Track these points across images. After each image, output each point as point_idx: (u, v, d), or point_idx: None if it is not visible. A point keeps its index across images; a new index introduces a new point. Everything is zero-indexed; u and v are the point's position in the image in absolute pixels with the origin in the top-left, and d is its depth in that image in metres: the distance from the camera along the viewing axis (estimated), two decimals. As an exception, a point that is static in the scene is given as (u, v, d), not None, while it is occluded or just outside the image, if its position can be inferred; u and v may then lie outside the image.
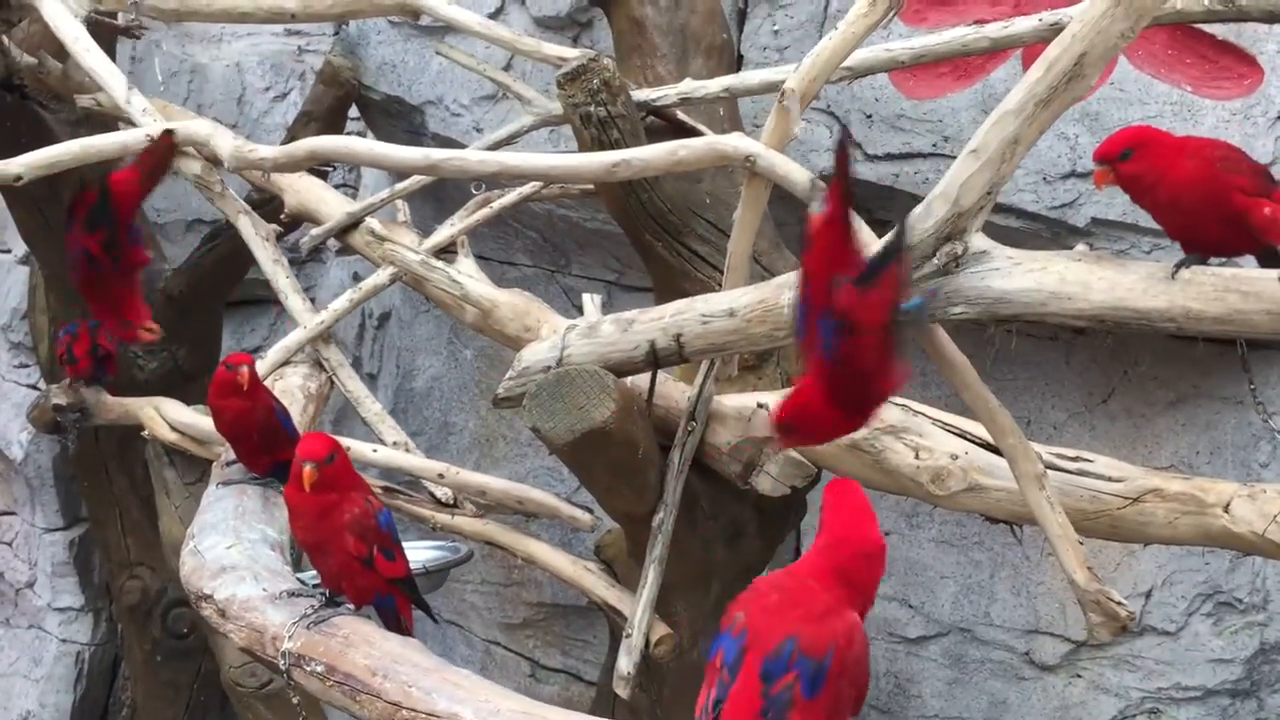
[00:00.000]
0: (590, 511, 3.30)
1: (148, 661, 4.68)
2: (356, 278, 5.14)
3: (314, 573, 2.35)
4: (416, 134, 4.48)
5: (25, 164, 3.19)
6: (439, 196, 4.48)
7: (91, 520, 4.92)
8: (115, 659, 5.38)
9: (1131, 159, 2.26)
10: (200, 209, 5.53)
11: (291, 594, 2.10)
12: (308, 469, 2.06)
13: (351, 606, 2.06)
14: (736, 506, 3.10)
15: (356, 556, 2.04)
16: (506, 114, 4.34)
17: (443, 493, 3.31)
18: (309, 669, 1.92)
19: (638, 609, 2.90)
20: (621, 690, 2.87)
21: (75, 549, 5.28)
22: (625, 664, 2.87)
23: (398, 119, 4.58)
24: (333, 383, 3.46)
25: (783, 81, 3.05)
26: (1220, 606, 3.75)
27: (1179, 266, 2.11)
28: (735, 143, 2.62)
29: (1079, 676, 3.93)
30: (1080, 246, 2.47)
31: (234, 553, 2.27)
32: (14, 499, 5.39)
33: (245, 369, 2.64)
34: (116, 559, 4.72)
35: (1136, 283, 2.11)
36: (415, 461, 3.27)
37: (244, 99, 5.48)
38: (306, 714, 2.56)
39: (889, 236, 2.13)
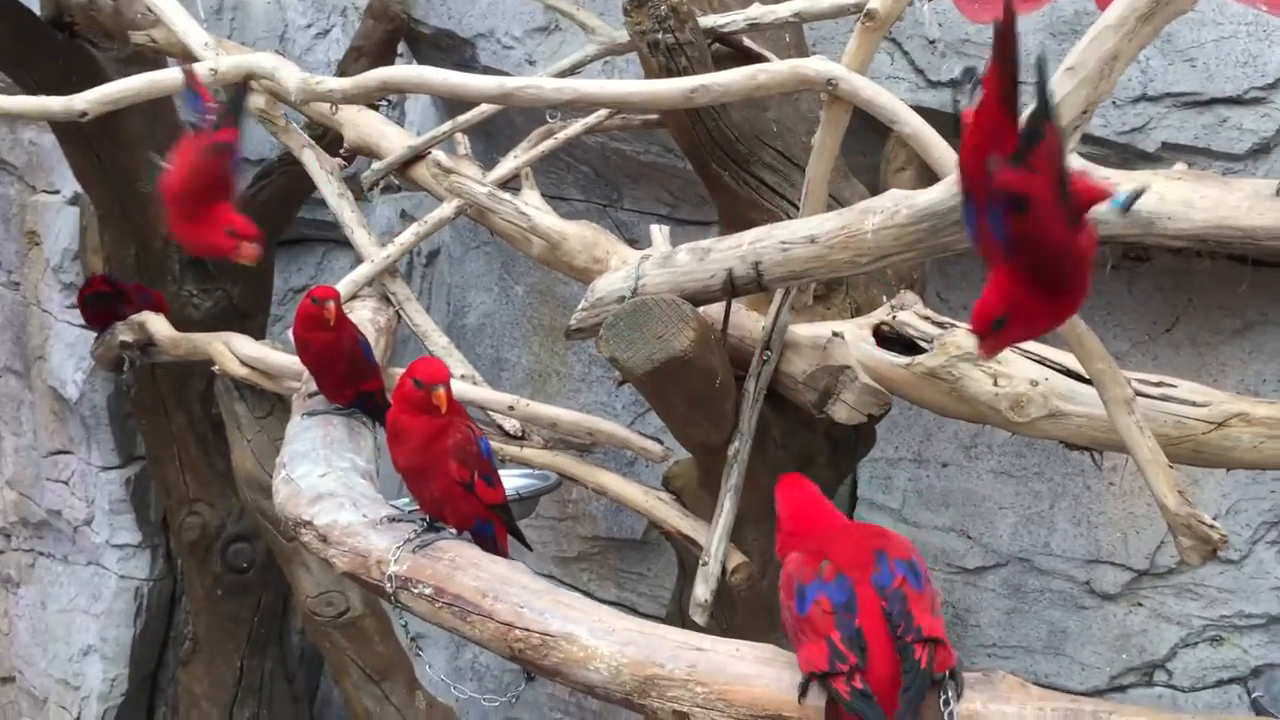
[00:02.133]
0: (661, 443, 3.30)
1: (209, 596, 4.75)
2: (404, 216, 5.15)
3: (405, 500, 2.36)
4: (467, 67, 4.44)
5: (90, 100, 3.18)
6: (489, 132, 4.45)
7: (149, 458, 4.98)
8: (173, 594, 5.47)
9: None
10: (245, 147, 5.53)
11: (392, 520, 2.11)
12: (440, 391, 2.07)
13: (453, 531, 2.07)
14: (807, 436, 3.11)
15: (459, 481, 2.05)
16: (559, 45, 4.29)
17: (511, 425, 3.32)
18: (416, 591, 1.94)
19: (714, 537, 2.91)
20: (699, 617, 2.89)
21: (131, 486, 5.36)
22: (703, 591, 2.89)
23: (448, 53, 4.54)
24: (399, 316, 3.45)
25: (854, 4, 3.02)
26: (1285, 534, 3.74)
27: (1285, 183, 2.08)
28: (818, 65, 2.58)
29: (1140, 605, 3.94)
30: (1179, 165, 2.43)
31: (328, 480, 2.29)
32: (70, 438, 5.46)
33: (332, 303, 2.64)
34: (176, 495, 4.78)
35: (1241, 201, 2.08)
36: (484, 394, 3.27)
37: (286, 35, 5.45)
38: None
39: (1033, 107, 1.87)
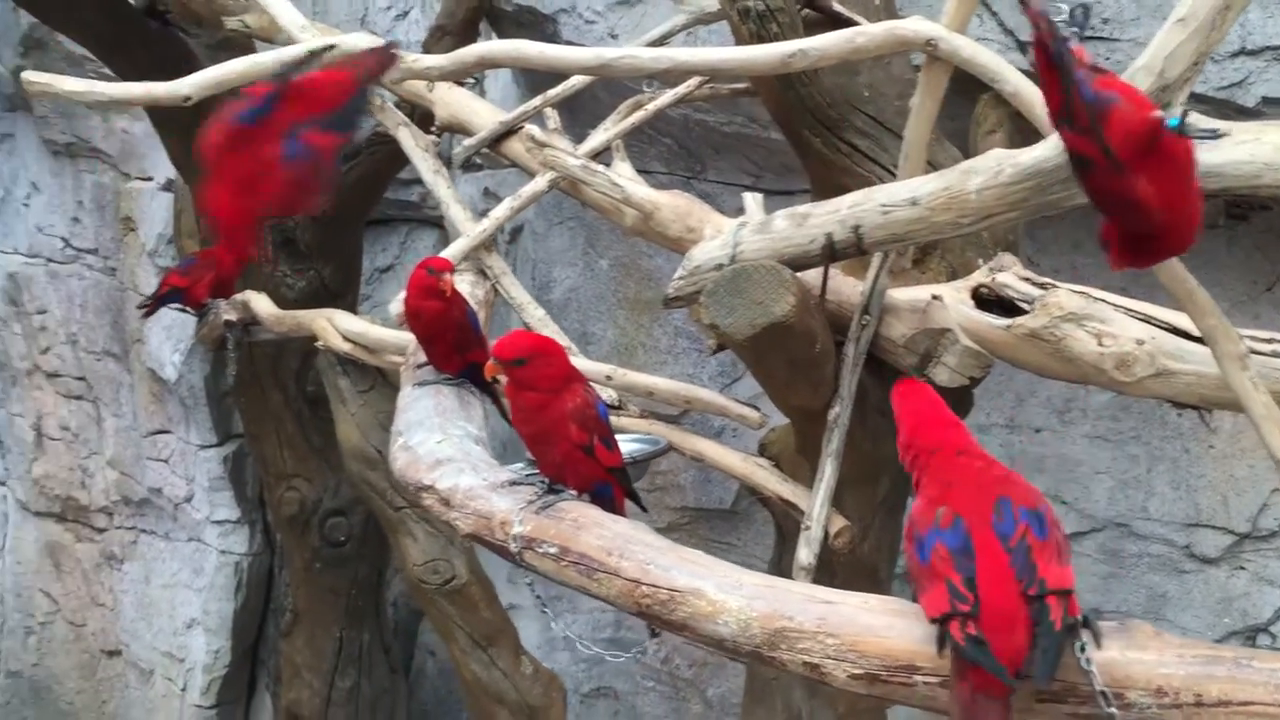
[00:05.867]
0: (758, 409, 3.32)
1: (307, 569, 4.87)
2: (487, 193, 5.21)
3: (520, 464, 2.41)
4: (549, 43, 4.47)
5: (193, 84, 3.24)
6: (571, 106, 4.48)
7: (248, 435, 5.10)
8: (270, 568, 5.62)
9: None
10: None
11: (513, 483, 2.16)
12: (490, 364, 2.14)
13: (574, 492, 2.12)
14: (906, 400, 3.10)
15: (579, 445, 2.09)
16: (641, 18, 4.32)
17: (608, 394, 3.36)
18: (541, 551, 1.98)
19: (816, 501, 2.93)
20: (802, 581, 2.91)
21: (229, 464, 5.50)
22: (806, 555, 2.91)
23: (529, 29, 4.57)
24: (496, 289, 3.51)
25: (948, -34, 2.99)
26: (1393, 494, 3.68)
27: None
28: (916, 26, 2.56)
29: (1242, 569, 3.90)
30: (1294, 115, 2.39)
31: (445, 447, 2.34)
32: (168, 418, 5.61)
33: (448, 275, 2.69)
34: (274, 471, 4.89)
35: (1357, 150, 2.04)
36: (582, 364, 3.29)
37: (367, 18, 5.54)
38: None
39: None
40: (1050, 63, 1.81)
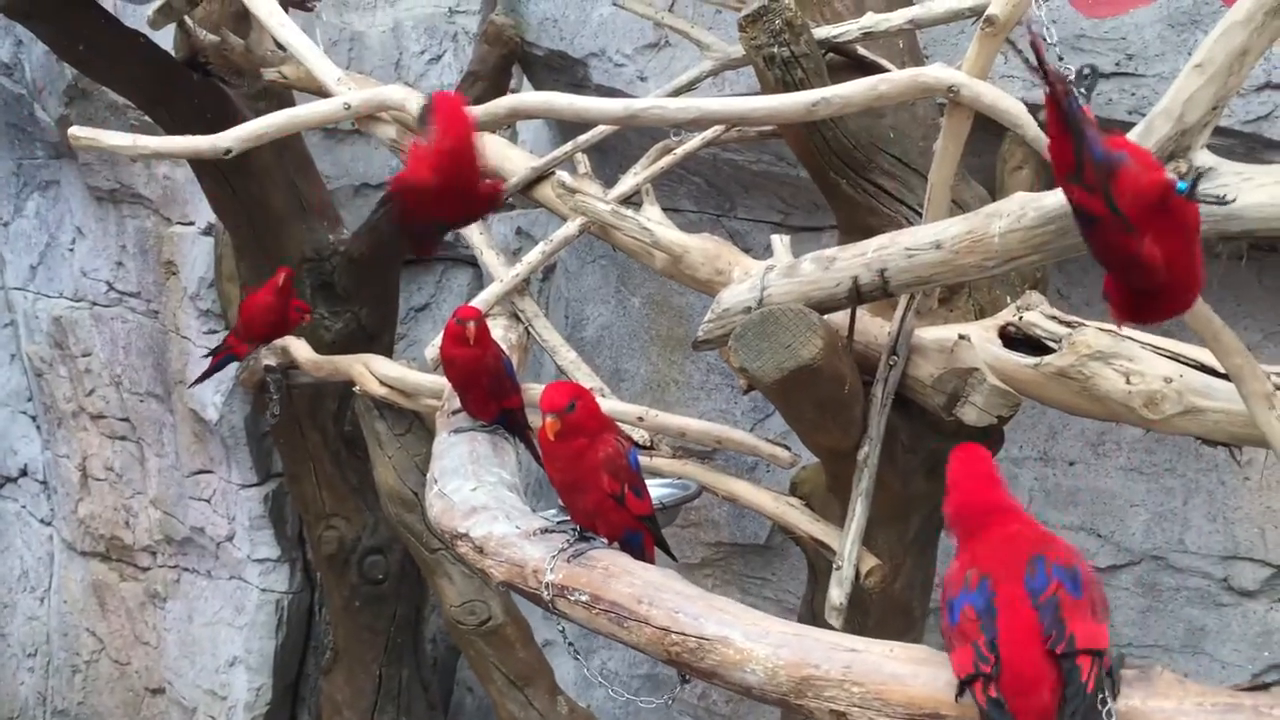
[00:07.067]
0: (788, 448, 3.35)
1: (347, 607, 4.93)
2: (520, 232, 5.29)
3: (552, 511, 2.46)
4: (579, 87, 4.56)
5: (234, 137, 3.33)
6: (603, 148, 4.54)
7: (288, 475, 5.18)
8: (311, 605, 5.69)
9: None
10: (365, 173, 5.74)
11: (545, 531, 2.20)
12: (549, 420, 2.15)
13: (604, 541, 2.16)
14: (935, 439, 3.12)
15: (611, 494, 2.13)
16: (669, 62, 4.38)
17: (640, 435, 3.40)
18: (573, 599, 2.02)
19: (847, 541, 2.95)
20: (835, 620, 2.93)
21: (270, 503, 5.58)
22: (837, 595, 2.92)
23: (560, 73, 4.66)
24: (529, 333, 3.56)
25: (969, 9, 3.05)
26: None
27: None
28: (938, 73, 2.61)
29: (1281, 601, 3.87)
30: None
31: (479, 494, 2.39)
32: (210, 458, 5.71)
33: (472, 324, 2.76)
34: (313, 511, 4.97)
35: (1383, 190, 2.05)
36: (614, 405, 3.35)
37: (401, 63, 5.65)
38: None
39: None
40: (1062, 121, 1.85)
